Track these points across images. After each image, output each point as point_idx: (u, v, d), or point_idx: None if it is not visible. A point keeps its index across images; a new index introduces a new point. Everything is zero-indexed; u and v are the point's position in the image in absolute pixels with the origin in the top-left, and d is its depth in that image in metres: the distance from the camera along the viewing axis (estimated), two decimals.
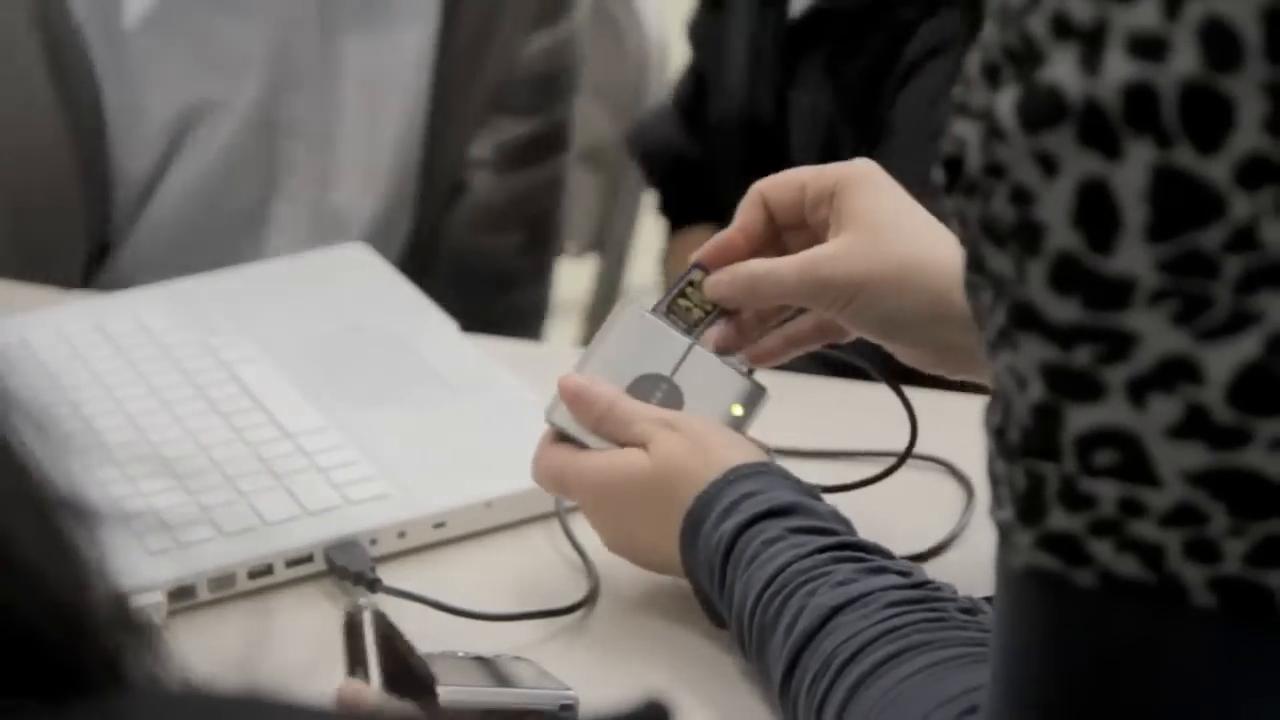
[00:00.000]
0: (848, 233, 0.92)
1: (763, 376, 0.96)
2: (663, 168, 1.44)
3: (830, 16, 1.30)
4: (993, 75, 0.60)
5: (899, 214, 0.95)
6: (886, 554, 0.85)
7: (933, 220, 0.94)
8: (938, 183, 0.63)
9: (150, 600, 0.81)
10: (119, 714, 0.43)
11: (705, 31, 1.41)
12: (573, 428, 0.90)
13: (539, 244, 1.40)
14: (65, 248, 1.20)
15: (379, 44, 1.25)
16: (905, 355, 0.95)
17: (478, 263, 1.35)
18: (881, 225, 0.93)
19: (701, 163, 1.41)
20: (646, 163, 1.44)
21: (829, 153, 1.25)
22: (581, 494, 0.92)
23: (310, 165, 1.26)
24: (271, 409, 0.98)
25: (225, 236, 1.25)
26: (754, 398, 0.93)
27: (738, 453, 0.90)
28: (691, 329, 0.95)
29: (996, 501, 0.65)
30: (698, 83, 1.42)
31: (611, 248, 1.59)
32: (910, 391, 0.96)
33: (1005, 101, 0.60)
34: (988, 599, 0.76)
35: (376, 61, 1.25)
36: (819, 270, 0.92)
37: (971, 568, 0.87)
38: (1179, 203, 0.59)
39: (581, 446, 0.91)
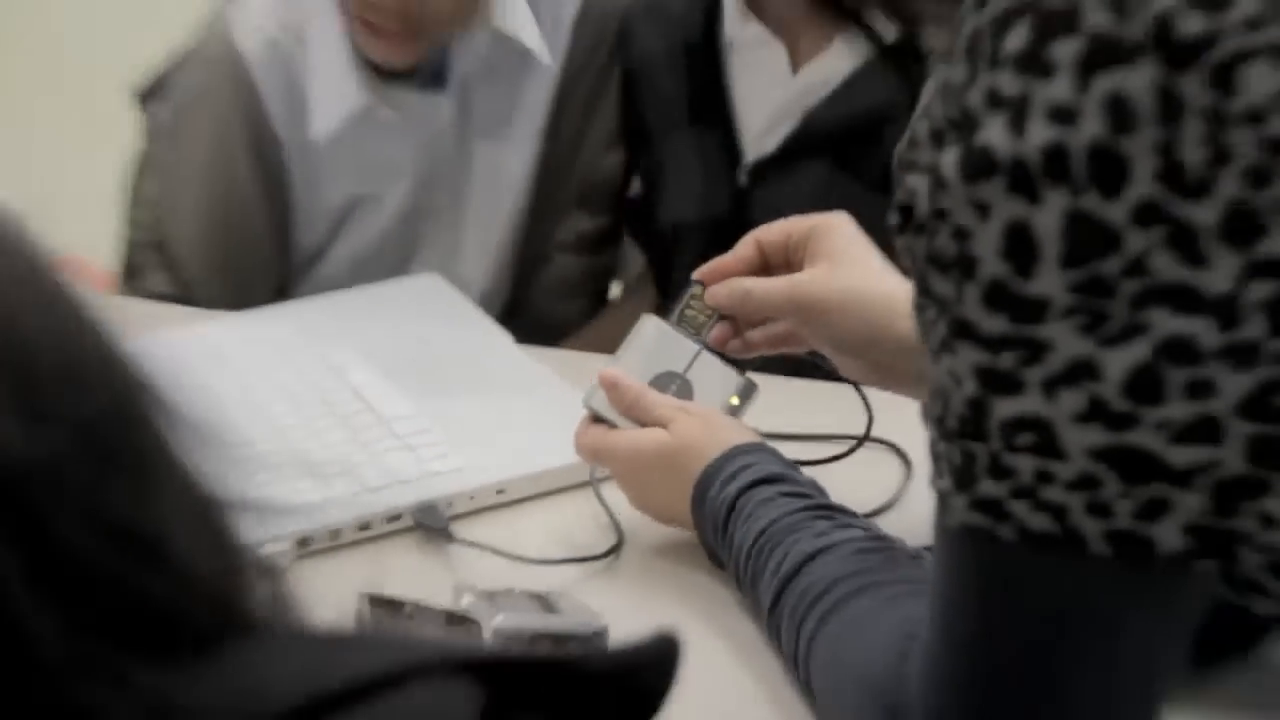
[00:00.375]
0: (814, 265, 1.05)
1: (755, 377, 1.08)
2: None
3: (815, 136, 1.35)
4: (938, 139, 0.69)
5: (854, 253, 1.06)
6: (851, 514, 0.97)
7: (884, 264, 1.05)
8: (892, 225, 0.73)
9: (279, 548, 0.95)
10: (267, 647, 0.48)
11: (647, 161, 1.49)
12: (607, 411, 1.03)
13: (596, 309, 1.57)
14: (258, 294, 1.36)
15: (498, 152, 1.43)
16: (847, 368, 1.08)
17: (550, 321, 1.51)
18: (837, 260, 1.06)
19: (650, 257, 1.53)
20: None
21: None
22: (614, 463, 1.04)
23: (441, 243, 1.44)
24: (370, 401, 1.13)
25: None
26: (748, 391, 1.06)
27: (736, 434, 1.02)
28: (698, 335, 1.07)
29: (937, 474, 0.75)
30: (645, 199, 1.51)
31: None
32: (867, 390, 1.10)
33: (948, 159, 0.68)
34: (927, 549, 0.84)
35: (495, 165, 1.43)
36: (795, 289, 1.05)
37: (912, 525, 0.98)
38: (1086, 238, 0.67)
39: (613, 427, 1.03)
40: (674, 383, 1.07)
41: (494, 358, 1.24)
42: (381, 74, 1.37)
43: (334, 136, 1.38)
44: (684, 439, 1.03)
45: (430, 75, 1.38)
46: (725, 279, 1.08)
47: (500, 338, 1.26)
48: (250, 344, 1.15)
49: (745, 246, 1.09)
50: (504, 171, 1.45)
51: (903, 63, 1.26)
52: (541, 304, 1.53)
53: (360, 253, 1.44)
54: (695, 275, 1.07)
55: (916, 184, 0.71)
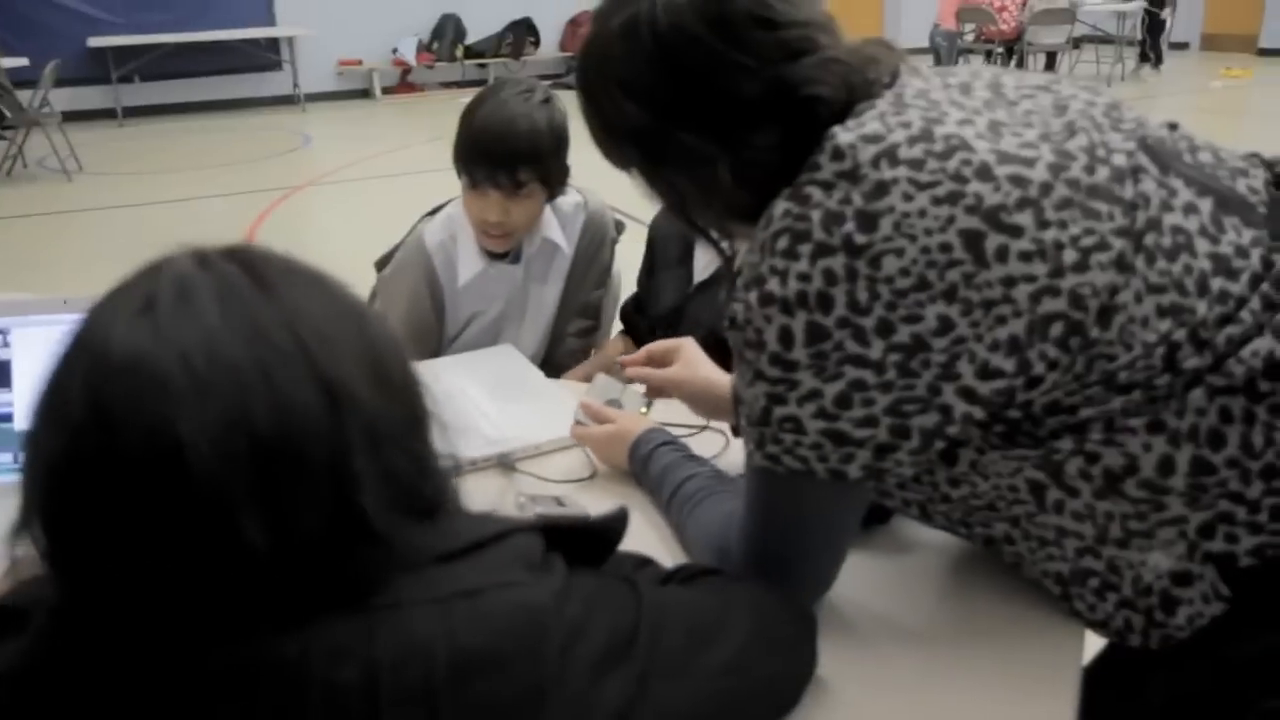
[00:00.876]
0: (681, 364, 1.44)
1: (655, 401, 1.49)
2: (625, 323, 2.19)
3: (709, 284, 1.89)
4: (746, 287, 0.90)
5: (698, 359, 1.43)
6: (705, 460, 1.30)
7: (710, 363, 1.40)
8: (724, 327, 0.95)
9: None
10: (454, 516, 0.64)
11: (643, 285, 2.13)
12: (583, 417, 1.47)
13: (586, 355, 2.27)
14: (424, 358, 1.99)
15: (543, 293, 2.18)
16: (697, 408, 1.44)
17: (563, 367, 2.22)
18: (690, 363, 1.43)
19: (639, 326, 2.11)
20: (632, 333, 2.16)
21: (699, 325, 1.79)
22: (589, 442, 1.47)
23: (511, 337, 2.17)
24: (476, 401, 1.68)
25: None
26: (649, 406, 1.49)
27: (644, 425, 1.40)
28: (624, 382, 1.51)
29: (746, 441, 0.98)
30: (638, 300, 2.16)
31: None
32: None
33: (751, 296, 0.91)
34: (740, 477, 1.03)
35: (541, 299, 2.18)
36: (671, 375, 1.44)
37: (730, 467, 1.28)
38: (815, 334, 0.88)
39: (586, 425, 1.45)
40: (614, 403, 1.50)
41: (534, 383, 1.80)
42: (490, 256, 2.10)
43: (467, 282, 2.09)
44: (620, 429, 1.41)
45: (512, 257, 2.13)
46: (635, 365, 1.46)
47: (537, 373, 1.86)
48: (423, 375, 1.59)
49: (641, 353, 1.47)
50: (545, 302, 2.19)
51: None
52: (559, 361, 2.23)
53: (473, 340, 2.14)
54: (619, 360, 1.49)
55: (736, 307, 0.92)
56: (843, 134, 0.91)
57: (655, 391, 1.48)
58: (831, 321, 0.88)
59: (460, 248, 2.09)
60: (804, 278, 0.88)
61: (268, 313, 0.60)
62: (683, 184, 0.99)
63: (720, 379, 1.40)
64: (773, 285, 0.89)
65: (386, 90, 11.98)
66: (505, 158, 1.91)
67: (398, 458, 0.62)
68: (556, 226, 2.14)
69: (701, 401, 1.42)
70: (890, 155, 0.89)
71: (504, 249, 2.08)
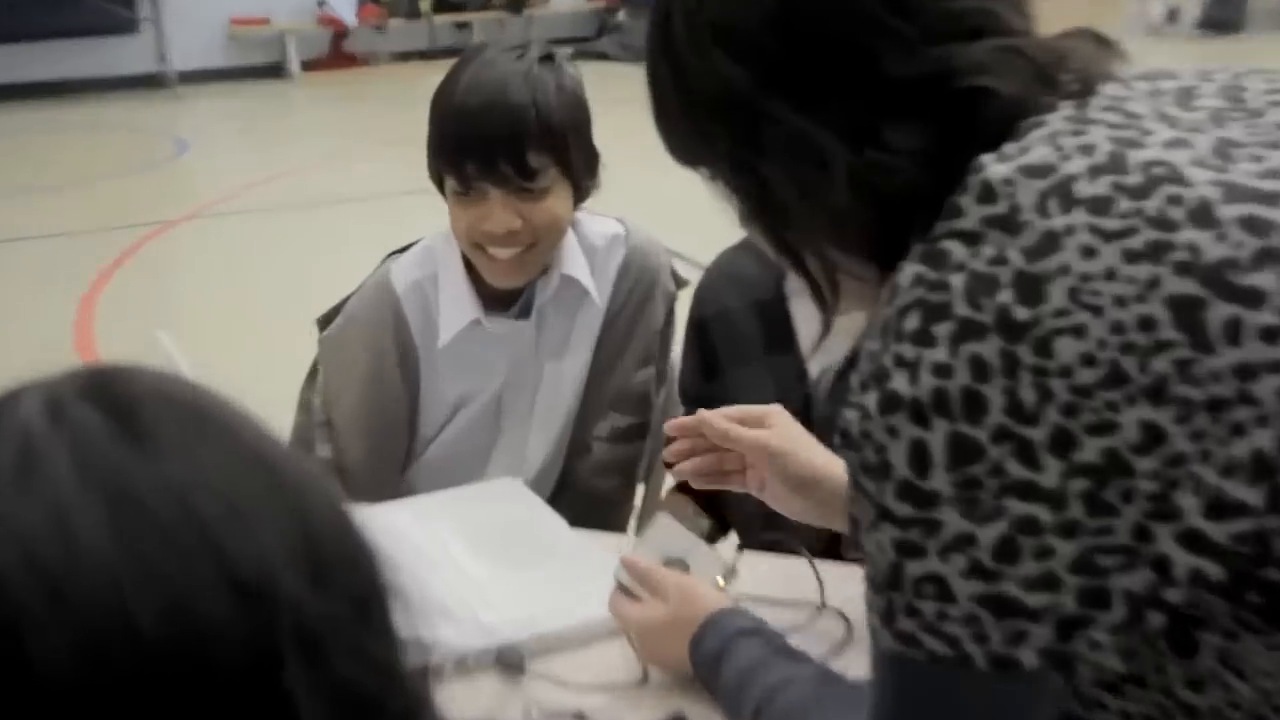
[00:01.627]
0: (773, 431, 1.28)
1: (739, 557, 1.24)
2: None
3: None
4: (864, 387, 0.82)
5: (797, 431, 1.28)
6: (805, 656, 1.13)
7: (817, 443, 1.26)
8: (836, 444, 0.86)
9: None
10: None
11: (705, 393, 1.61)
12: (629, 582, 1.22)
13: (628, 485, 1.80)
14: (392, 464, 1.69)
15: (560, 366, 1.73)
16: (794, 508, 1.25)
17: (591, 494, 1.76)
18: (787, 435, 1.28)
19: None
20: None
21: None
22: (630, 626, 1.23)
23: (516, 434, 1.72)
24: (466, 569, 1.37)
25: (468, 469, 1.69)
26: (730, 574, 1.26)
27: (715, 602, 1.19)
28: (697, 531, 1.26)
29: (870, 613, 0.85)
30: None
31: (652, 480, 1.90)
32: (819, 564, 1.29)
33: (870, 399, 0.81)
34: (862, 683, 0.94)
35: (558, 376, 1.73)
36: (764, 439, 1.26)
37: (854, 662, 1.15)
38: (962, 451, 0.78)
39: (634, 596, 1.21)
40: (678, 564, 1.27)
41: (554, 537, 1.48)
42: (487, 304, 1.67)
43: (447, 346, 1.65)
44: (683, 607, 1.20)
45: (520, 309, 1.70)
46: (696, 469, 1.27)
47: (558, 522, 1.49)
48: (379, 530, 1.41)
49: (733, 411, 1.28)
50: (563, 381, 1.72)
51: None
52: (584, 481, 1.76)
53: (458, 438, 1.70)
54: (673, 477, 1.25)
55: (851, 414, 0.83)
56: (995, 165, 0.82)
57: (724, 492, 1.27)
58: (985, 434, 0.77)
59: (443, 291, 1.68)
60: (943, 371, 0.78)
61: (146, 478, 0.53)
62: (781, 186, 0.91)
63: (830, 465, 1.25)
64: (899, 383, 0.79)
65: (309, 65, 9.03)
66: (504, 137, 1.54)
67: (346, 664, 0.53)
68: (583, 261, 1.70)
69: (802, 487, 1.25)
70: (1063, 193, 0.80)
71: (520, 280, 1.65)
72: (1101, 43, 0.92)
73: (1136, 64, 0.93)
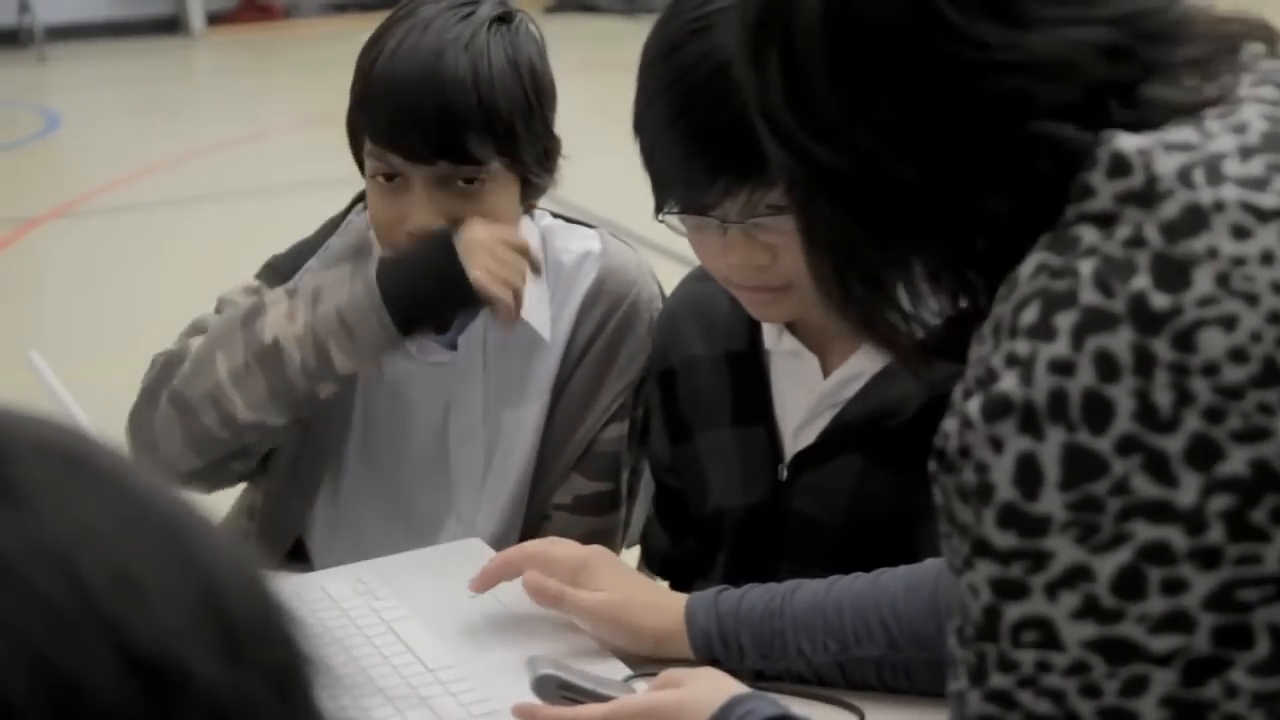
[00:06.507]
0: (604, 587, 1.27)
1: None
2: (661, 566, 1.58)
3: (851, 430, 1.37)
4: (967, 394, 0.79)
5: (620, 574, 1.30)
6: None
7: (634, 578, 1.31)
8: (931, 470, 0.81)
9: None
10: None
11: (675, 459, 1.51)
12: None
13: None
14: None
15: (516, 416, 1.56)
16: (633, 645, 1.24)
17: None
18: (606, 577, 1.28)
19: (689, 556, 1.54)
20: (652, 565, 1.59)
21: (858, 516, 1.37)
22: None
23: (469, 496, 1.57)
24: (419, 654, 1.26)
25: (419, 535, 1.54)
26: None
27: (735, 685, 1.11)
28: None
29: (953, 678, 0.82)
30: (673, 498, 1.53)
31: None
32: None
33: (973, 405, 0.78)
34: None
35: (514, 427, 1.56)
36: (598, 606, 1.26)
37: None
38: (1080, 466, 0.76)
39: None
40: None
41: (521, 614, 1.33)
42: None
43: (401, 378, 1.52)
44: (686, 699, 1.09)
45: (449, 338, 1.53)
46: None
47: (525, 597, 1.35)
48: (312, 602, 1.29)
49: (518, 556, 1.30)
50: (519, 433, 1.56)
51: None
52: None
53: (398, 497, 1.55)
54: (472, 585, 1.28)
55: (949, 426, 0.80)
56: (1127, 138, 0.80)
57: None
58: (1108, 444, 0.75)
59: None
60: (1062, 368, 0.76)
61: (21, 544, 0.50)
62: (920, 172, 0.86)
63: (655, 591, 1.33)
64: (1008, 383, 0.77)
65: (216, 18, 8.15)
66: (435, 118, 1.40)
67: None
68: (532, 284, 1.50)
69: (644, 618, 1.27)
70: (1210, 168, 0.79)
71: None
72: (1269, 30, 0.88)
73: None
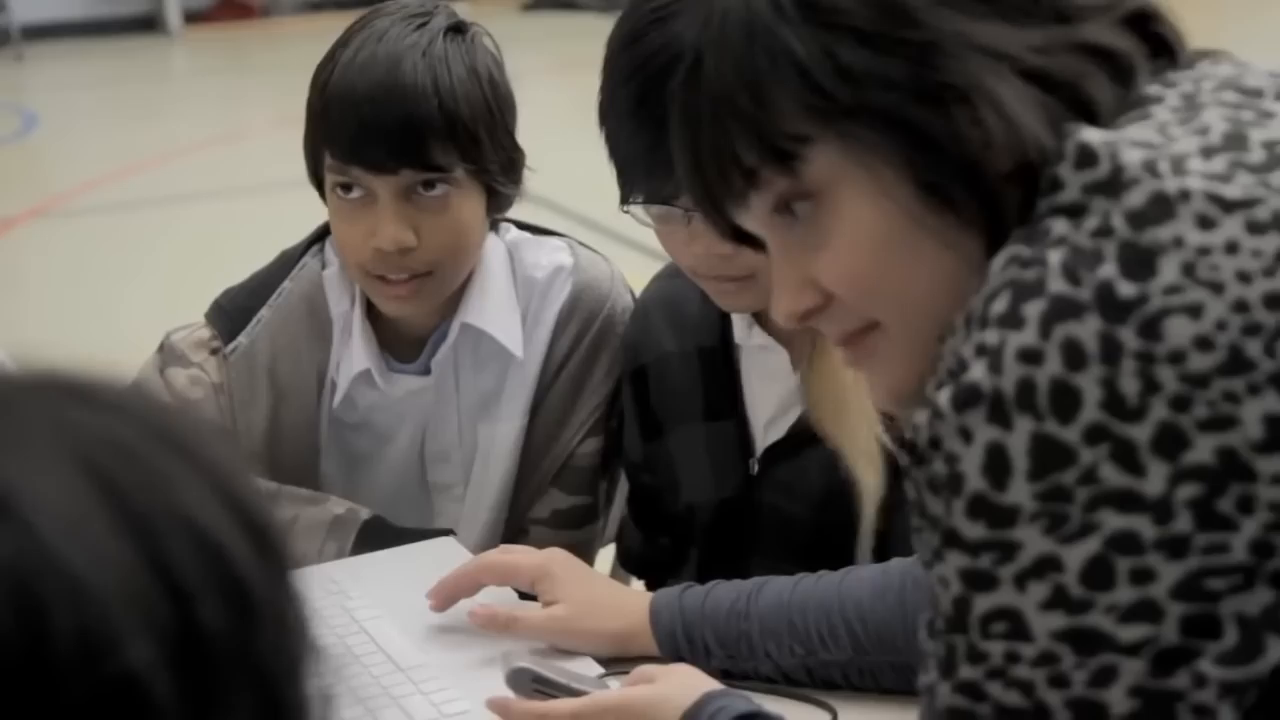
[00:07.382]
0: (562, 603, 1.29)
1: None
2: (636, 565, 1.61)
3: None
4: (939, 384, 0.79)
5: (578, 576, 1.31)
6: None
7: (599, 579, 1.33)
8: (904, 465, 0.82)
9: None
10: None
11: (648, 456, 1.52)
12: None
13: None
14: None
15: (492, 432, 1.57)
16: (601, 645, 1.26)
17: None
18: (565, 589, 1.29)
19: (663, 554, 1.56)
20: (627, 565, 1.63)
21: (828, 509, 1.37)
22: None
23: (448, 513, 1.58)
24: (389, 651, 1.27)
25: None
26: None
27: (697, 685, 1.12)
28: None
29: (923, 671, 0.82)
30: (647, 496, 1.55)
31: None
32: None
33: (943, 396, 0.79)
34: None
35: (491, 443, 1.57)
36: (548, 620, 1.29)
37: None
38: (1048, 456, 0.76)
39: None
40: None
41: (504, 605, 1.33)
42: (395, 352, 1.54)
43: (346, 398, 1.52)
44: (658, 695, 1.11)
45: (420, 364, 1.54)
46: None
47: (504, 594, 1.36)
48: None
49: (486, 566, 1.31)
50: (496, 449, 1.58)
51: None
52: None
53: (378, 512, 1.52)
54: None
55: (920, 418, 0.81)
56: (1091, 131, 0.81)
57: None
58: (1076, 434, 0.75)
59: (356, 321, 1.52)
60: (1030, 356, 0.76)
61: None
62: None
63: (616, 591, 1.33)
64: (977, 372, 0.77)
65: (194, 16, 8.32)
66: (397, 129, 1.39)
67: (293, 689, 0.54)
68: (506, 300, 1.54)
69: (604, 622, 1.29)
70: (1175, 161, 0.79)
71: (414, 308, 1.50)
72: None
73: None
